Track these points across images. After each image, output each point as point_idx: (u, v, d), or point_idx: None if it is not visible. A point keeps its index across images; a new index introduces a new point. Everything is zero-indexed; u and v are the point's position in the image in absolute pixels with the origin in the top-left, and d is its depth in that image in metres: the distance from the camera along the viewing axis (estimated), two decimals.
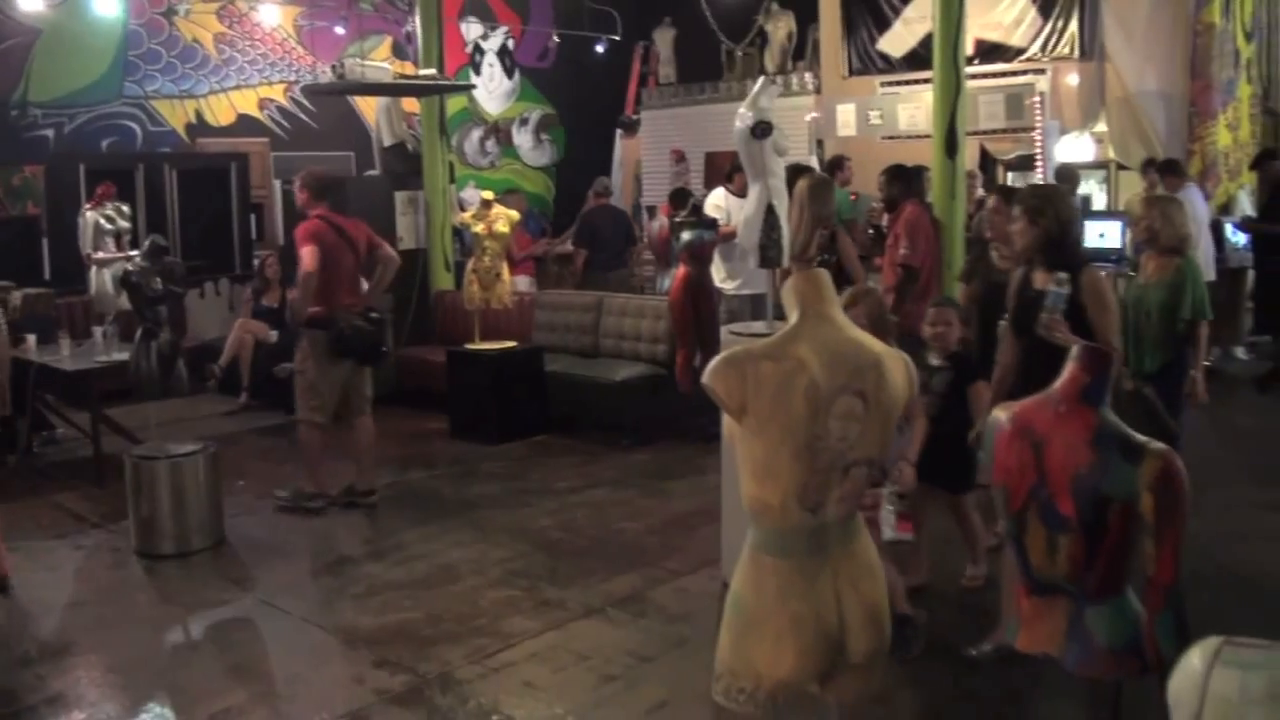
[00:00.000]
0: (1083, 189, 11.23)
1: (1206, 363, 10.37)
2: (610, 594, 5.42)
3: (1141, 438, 2.83)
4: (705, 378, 2.71)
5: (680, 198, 10.04)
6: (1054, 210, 4.30)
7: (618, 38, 15.04)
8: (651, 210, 12.95)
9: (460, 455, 8.19)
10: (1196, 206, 9.20)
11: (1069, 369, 2.91)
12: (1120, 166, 11.29)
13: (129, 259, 8.89)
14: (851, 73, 13.14)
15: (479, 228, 8.77)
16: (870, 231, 10.07)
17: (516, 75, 15.87)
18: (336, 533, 6.59)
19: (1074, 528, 2.83)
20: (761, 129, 5.21)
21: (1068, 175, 9.98)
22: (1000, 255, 5.52)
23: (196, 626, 5.39)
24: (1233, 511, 6.42)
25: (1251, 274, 10.46)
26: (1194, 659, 1.66)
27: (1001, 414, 3.02)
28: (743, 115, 5.31)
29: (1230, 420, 8.85)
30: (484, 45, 15.41)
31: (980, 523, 5.29)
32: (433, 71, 10.10)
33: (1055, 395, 2.93)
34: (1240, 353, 11.27)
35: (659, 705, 4.31)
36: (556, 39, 15.24)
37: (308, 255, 6.54)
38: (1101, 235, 10.07)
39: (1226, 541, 5.85)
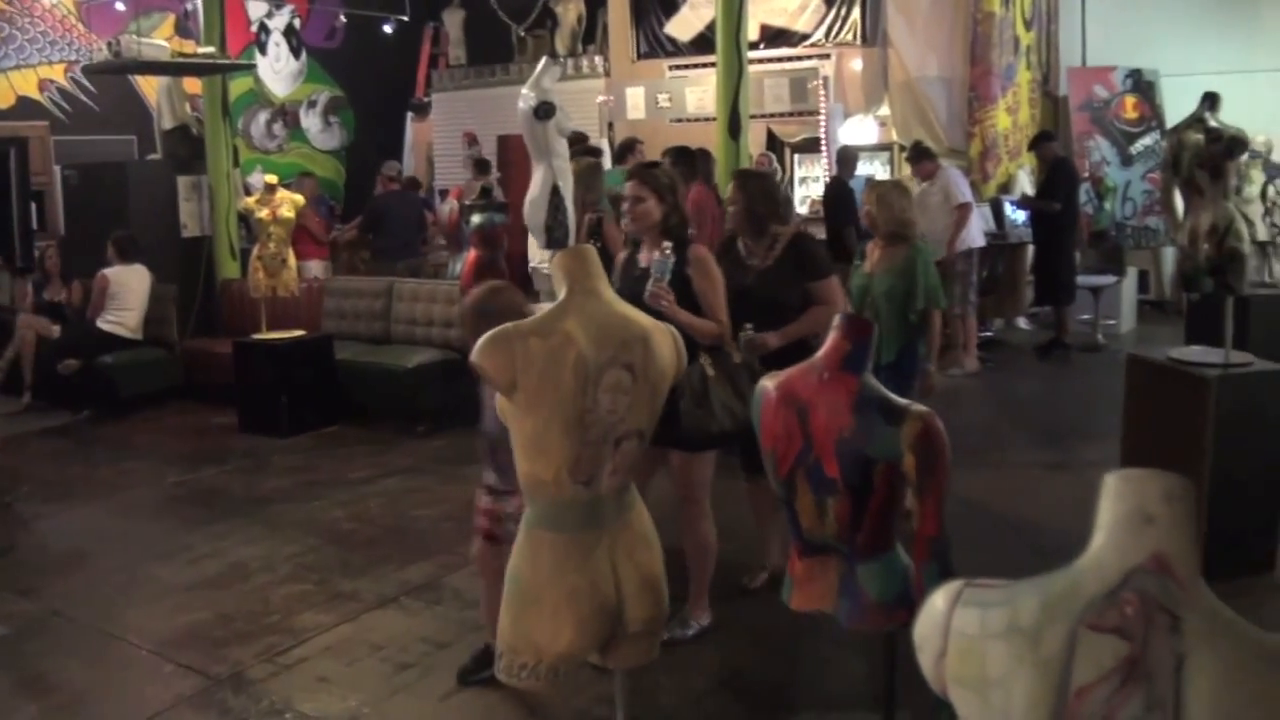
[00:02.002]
0: (868, 170, 11.65)
1: (989, 333, 10.96)
2: (405, 582, 5.35)
3: (903, 401, 2.93)
4: (474, 356, 2.70)
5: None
6: (682, 190, 4.42)
7: (406, 18, 14.78)
8: (444, 193, 12.80)
9: (250, 449, 7.95)
10: (959, 187, 9.59)
11: (831, 338, 2.99)
12: (903, 148, 11.71)
13: None
14: (640, 56, 13.28)
15: (263, 213, 8.53)
16: None
17: (304, 56, 15.41)
18: (126, 536, 6.30)
19: (840, 489, 2.91)
20: (544, 110, 5.22)
21: (847, 157, 10.29)
22: (747, 248, 4.91)
23: None
24: (1015, 471, 6.77)
25: (1031, 249, 11.01)
26: (938, 601, 1.72)
27: (768, 382, 3.10)
28: (525, 96, 5.30)
29: (1013, 386, 9.36)
30: (269, 24, 14.91)
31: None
32: (211, 50, 9.74)
33: (818, 363, 3.01)
34: (1022, 323, 11.92)
35: (455, 691, 4.27)
36: (344, 18, 14.89)
37: None
38: None
39: (1008, 499, 6.16)
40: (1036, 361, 10.26)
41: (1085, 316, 10.96)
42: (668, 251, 4.12)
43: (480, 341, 2.71)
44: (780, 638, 4.54)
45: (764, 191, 4.86)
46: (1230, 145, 6.46)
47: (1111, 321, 11.25)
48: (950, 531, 2.93)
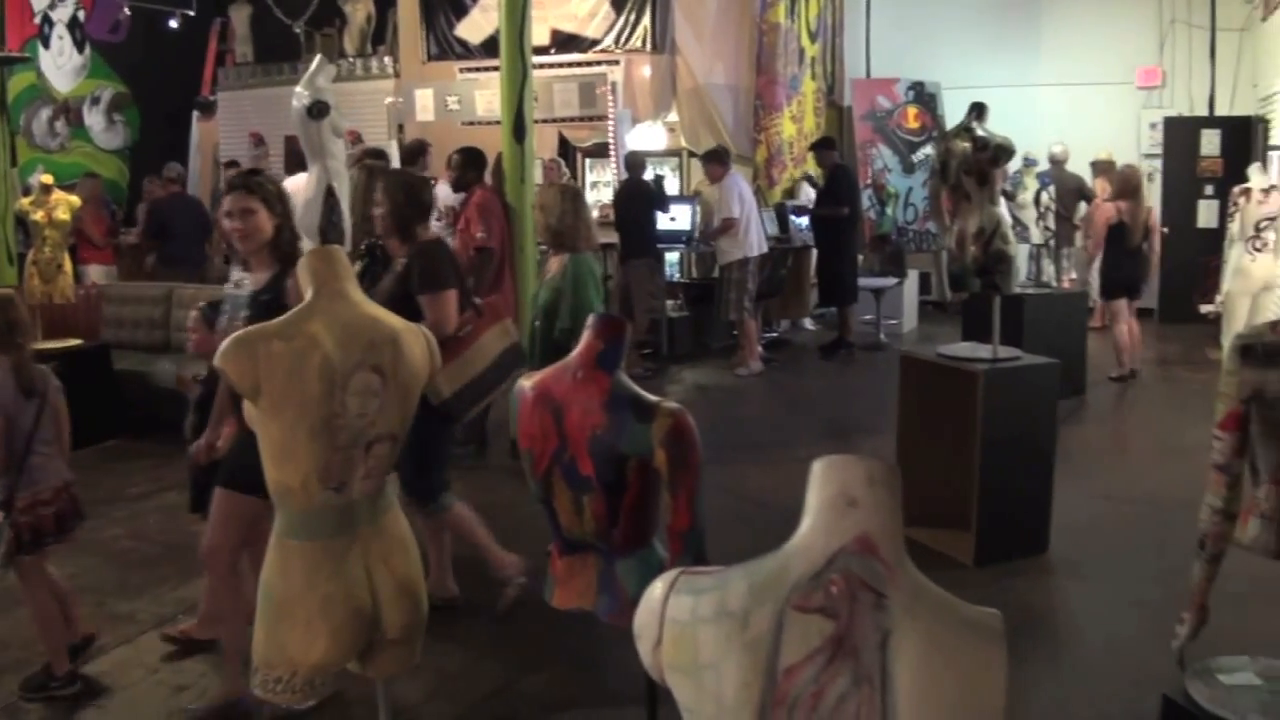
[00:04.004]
0: (657, 174, 11.82)
1: (774, 333, 11.24)
2: (183, 601, 5.19)
3: (654, 398, 3.00)
4: (215, 359, 2.63)
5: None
6: (289, 203, 4.12)
7: (192, 12, 14.27)
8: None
9: None
10: (742, 192, 9.83)
11: (586, 337, 3.04)
12: (692, 154, 11.94)
13: None
14: (431, 58, 13.15)
15: (38, 215, 8.15)
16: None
17: (87, 49, 14.70)
18: None
19: (595, 487, 2.97)
20: (318, 109, 5.15)
21: (635, 162, 10.43)
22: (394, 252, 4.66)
23: None
24: (798, 466, 6.88)
25: (814, 252, 11.35)
26: (655, 589, 1.77)
27: (525, 382, 3.12)
28: (299, 95, 5.22)
29: (798, 385, 9.64)
30: (53, 16, 14.17)
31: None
32: None
33: (573, 363, 3.05)
34: (807, 324, 12.31)
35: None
36: (128, 11, 14.29)
37: None
38: (673, 219, 10.63)
39: (790, 493, 6.24)
40: (821, 360, 10.62)
41: (868, 317, 11.39)
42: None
43: (223, 345, 2.65)
44: (549, 644, 4.58)
45: (408, 193, 4.57)
46: (997, 153, 6.77)
47: (894, 321, 11.72)
48: (708, 523, 3.01)
